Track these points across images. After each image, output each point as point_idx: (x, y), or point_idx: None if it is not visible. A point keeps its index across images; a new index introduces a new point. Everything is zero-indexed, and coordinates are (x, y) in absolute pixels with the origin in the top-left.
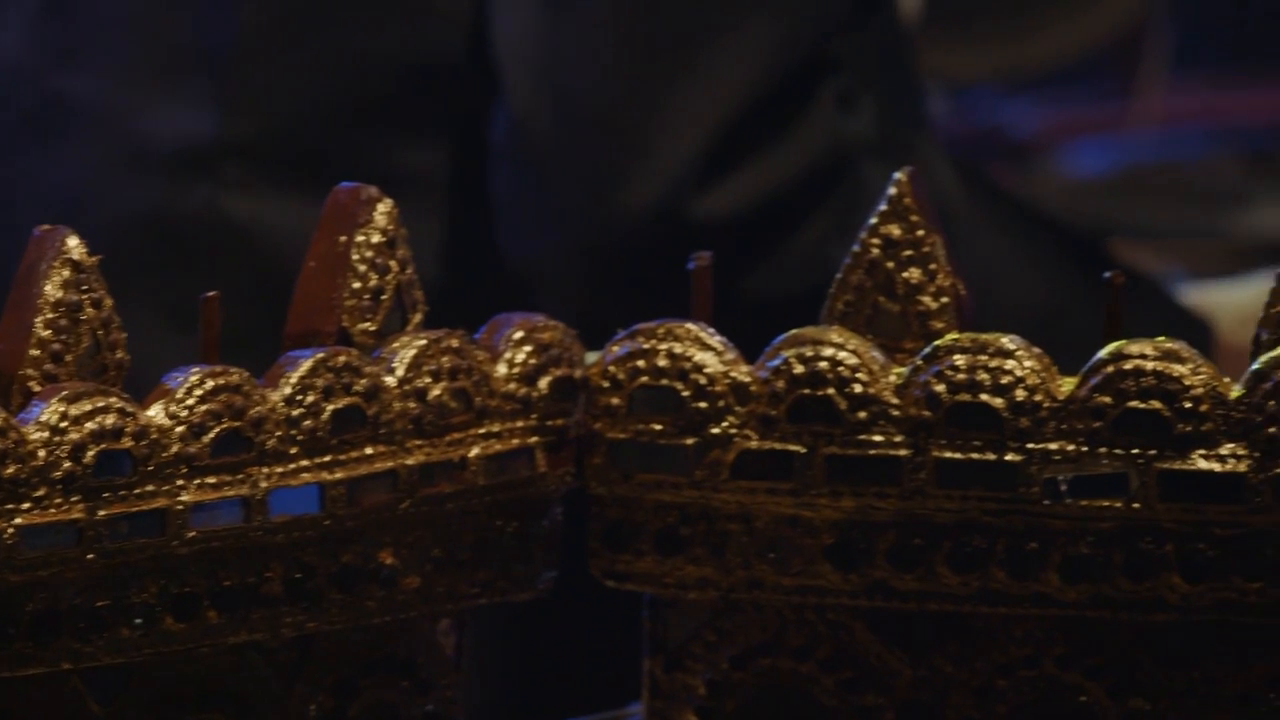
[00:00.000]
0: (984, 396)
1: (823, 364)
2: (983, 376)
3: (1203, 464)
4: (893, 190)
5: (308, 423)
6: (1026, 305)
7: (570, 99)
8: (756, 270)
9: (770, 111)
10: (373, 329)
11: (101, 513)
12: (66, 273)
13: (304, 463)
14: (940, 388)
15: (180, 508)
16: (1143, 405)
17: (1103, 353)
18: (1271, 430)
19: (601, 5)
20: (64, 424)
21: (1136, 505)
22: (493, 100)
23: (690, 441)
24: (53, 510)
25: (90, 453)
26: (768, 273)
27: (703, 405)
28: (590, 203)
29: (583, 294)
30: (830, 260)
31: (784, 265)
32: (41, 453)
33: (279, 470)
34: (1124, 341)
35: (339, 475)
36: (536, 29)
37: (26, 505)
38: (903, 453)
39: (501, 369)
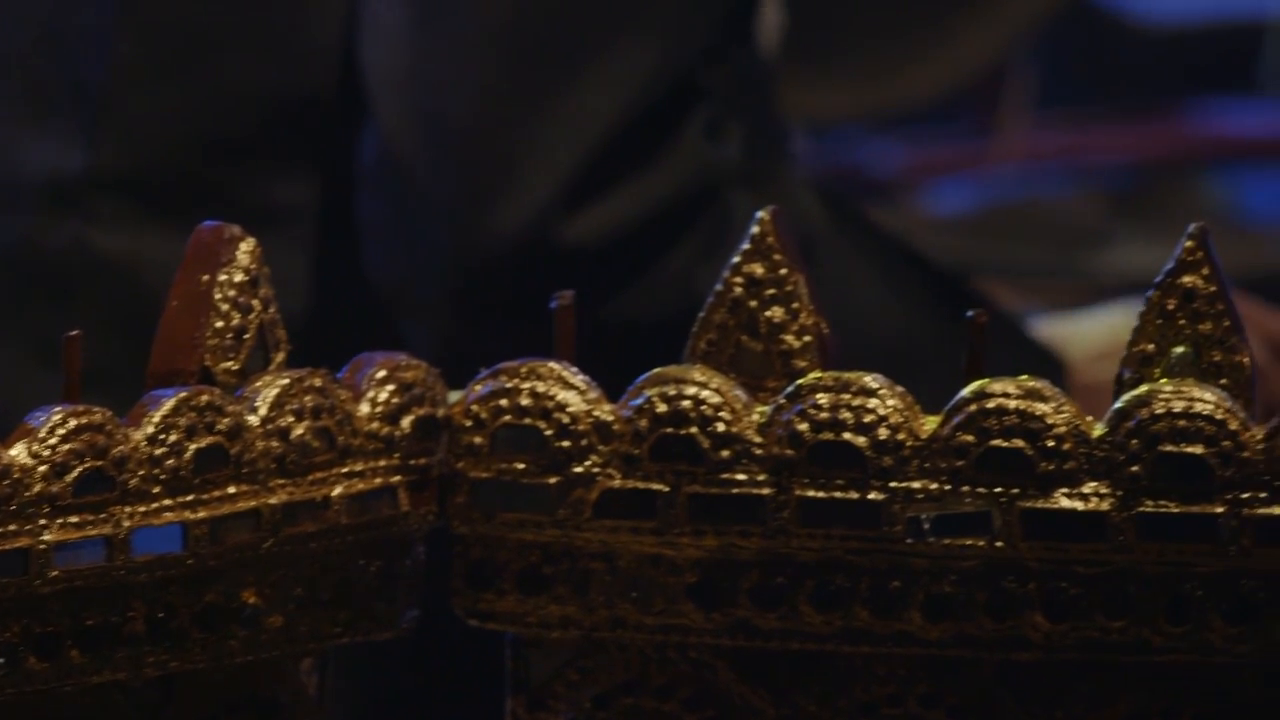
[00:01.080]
0: (847, 435)
1: (685, 403)
2: (845, 415)
3: (1065, 502)
4: (756, 229)
5: (170, 462)
6: (889, 341)
7: (438, 124)
8: (622, 296)
9: (638, 138)
10: (235, 368)
11: None
12: None
13: (167, 502)
14: (803, 426)
15: (43, 547)
16: (1005, 444)
17: (965, 391)
18: (1134, 469)
19: (471, 30)
20: None
21: (999, 544)
22: (363, 129)
23: (553, 480)
24: None
25: None
26: (633, 298)
27: (565, 444)
28: (457, 228)
29: (449, 319)
30: (695, 287)
31: (649, 291)
32: None
33: (142, 509)
34: (986, 380)
35: (202, 514)
36: (405, 53)
37: None
38: (766, 491)
39: (364, 408)
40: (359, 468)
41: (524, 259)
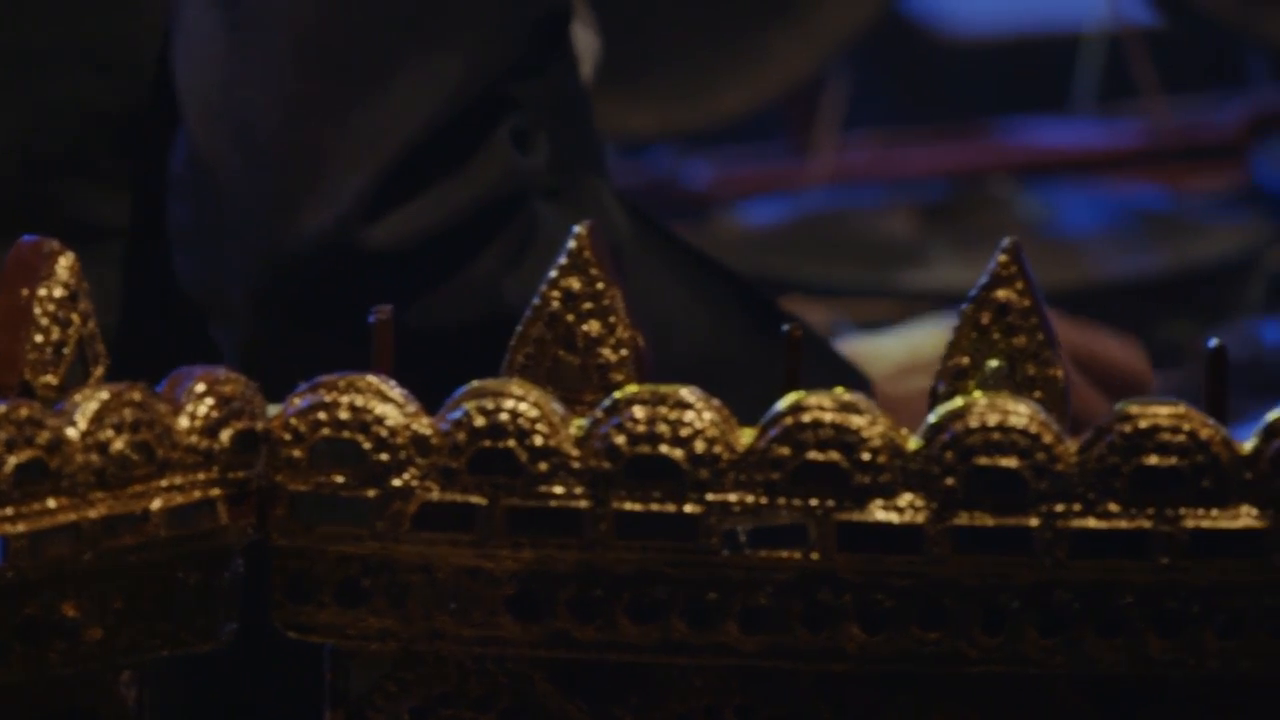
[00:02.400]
0: (663, 448)
1: (503, 416)
2: (662, 428)
3: (881, 515)
4: (572, 243)
5: None
6: (697, 356)
7: (245, 130)
8: (426, 302)
9: (445, 146)
10: (55, 382)
11: None
12: None
13: None
14: (620, 440)
15: None
16: (821, 457)
17: (781, 404)
18: (949, 481)
19: (278, 38)
20: None
21: (815, 556)
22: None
23: (371, 493)
24: None
25: None
26: (437, 304)
27: (384, 457)
28: (262, 233)
29: (256, 324)
30: (500, 294)
31: (454, 298)
32: None
33: None
34: (802, 393)
35: (21, 527)
36: (214, 60)
37: None
38: (583, 504)
39: (183, 421)
40: (178, 481)
41: (329, 264)
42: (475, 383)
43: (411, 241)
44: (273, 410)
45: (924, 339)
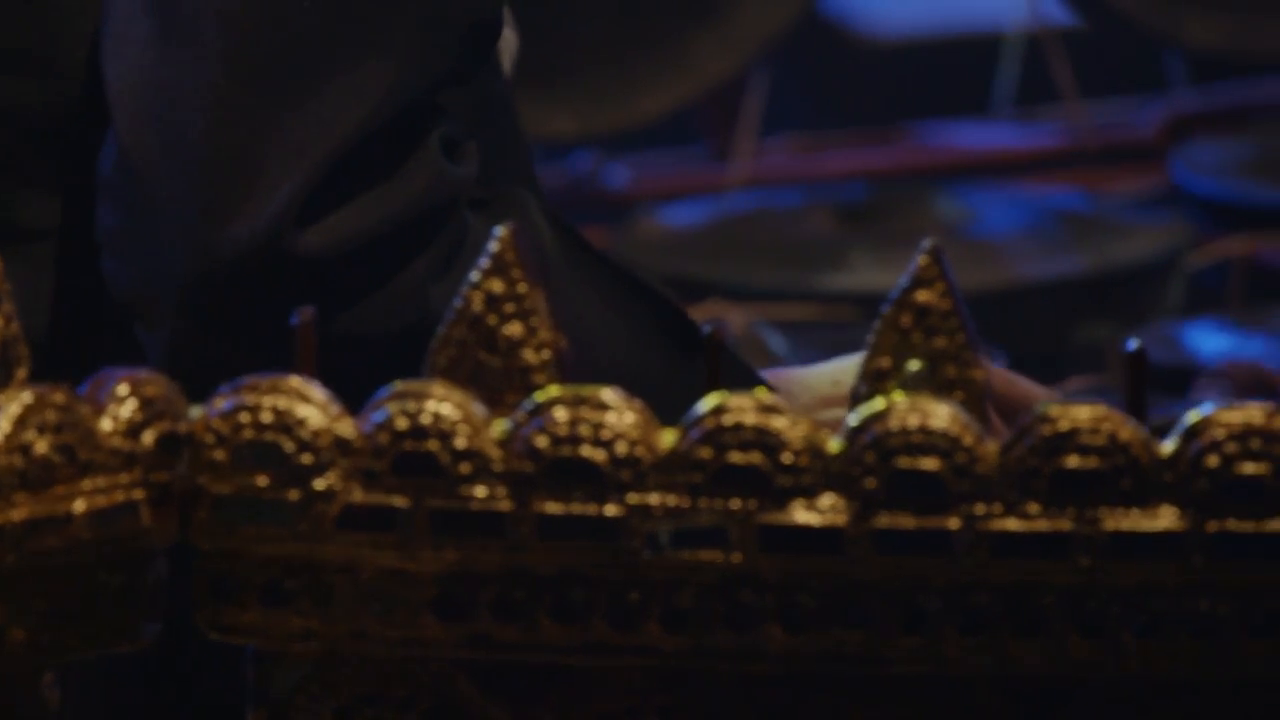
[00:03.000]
0: (585, 450)
1: (426, 418)
2: (584, 430)
3: (802, 516)
4: (495, 246)
5: None
6: (619, 367)
7: (175, 134)
8: (356, 308)
9: (375, 153)
10: None
11: None
12: None
13: None
14: (542, 441)
15: None
16: (742, 458)
17: (702, 406)
18: (869, 483)
19: (210, 40)
20: None
21: (737, 557)
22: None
23: (295, 495)
24: None
25: None
26: (367, 311)
27: (307, 459)
28: (191, 237)
29: (183, 328)
30: (430, 301)
31: (383, 304)
32: None
33: None
34: (723, 395)
35: None
36: (146, 63)
37: None
38: (505, 506)
39: (106, 423)
40: (101, 483)
41: (258, 269)
42: (398, 384)
43: (341, 248)
44: (195, 412)
45: (849, 371)
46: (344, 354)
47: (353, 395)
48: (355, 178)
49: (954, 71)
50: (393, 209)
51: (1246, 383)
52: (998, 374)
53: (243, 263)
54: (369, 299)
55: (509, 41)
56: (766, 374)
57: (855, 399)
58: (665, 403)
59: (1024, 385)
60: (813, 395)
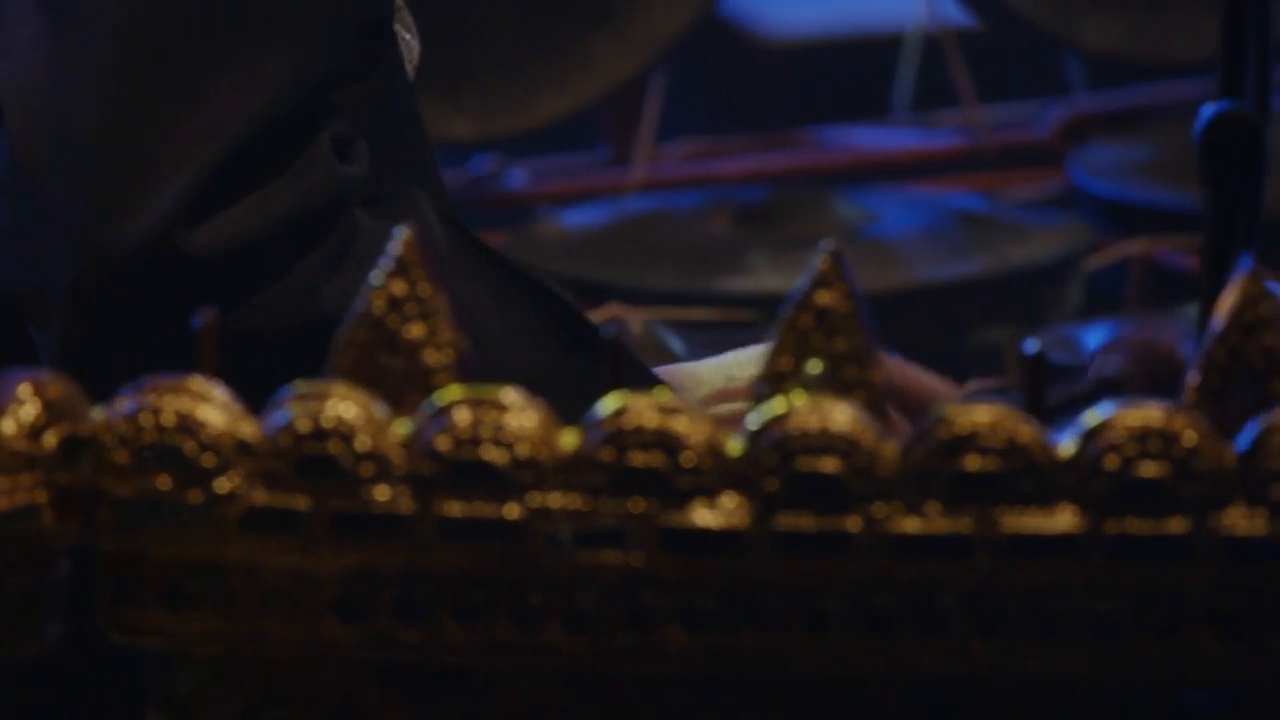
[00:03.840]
0: (486, 451)
1: (327, 420)
2: (485, 431)
3: (703, 518)
4: (396, 247)
5: None
6: (515, 367)
7: (65, 132)
8: (246, 306)
9: (266, 152)
10: None
11: None
12: None
13: None
14: (444, 443)
15: None
16: (643, 459)
17: (603, 407)
18: (770, 484)
19: (102, 40)
20: None
21: (638, 558)
22: None
23: (196, 497)
24: None
25: None
26: (257, 309)
27: (208, 461)
28: (82, 236)
29: (75, 327)
30: (320, 300)
31: (273, 303)
32: None
33: None
34: (624, 397)
35: None
36: (37, 61)
37: None
38: (407, 507)
39: (7, 425)
40: (3, 485)
41: (148, 268)
42: (300, 386)
43: (231, 246)
44: (97, 414)
45: (741, 366)
46: (234, 351)
47: (246, 393)
48: (245, 176)
49: (853, 73)
50: (282, 207)
51: (1143, 356)
52: (895, 366)
53: (132, 261)
54: (259, 297)
55: (411, 48)
56: (660, 370)
57: (756, 400)
58: (561, 401)
59: (921, 377)
60: (706, 390)
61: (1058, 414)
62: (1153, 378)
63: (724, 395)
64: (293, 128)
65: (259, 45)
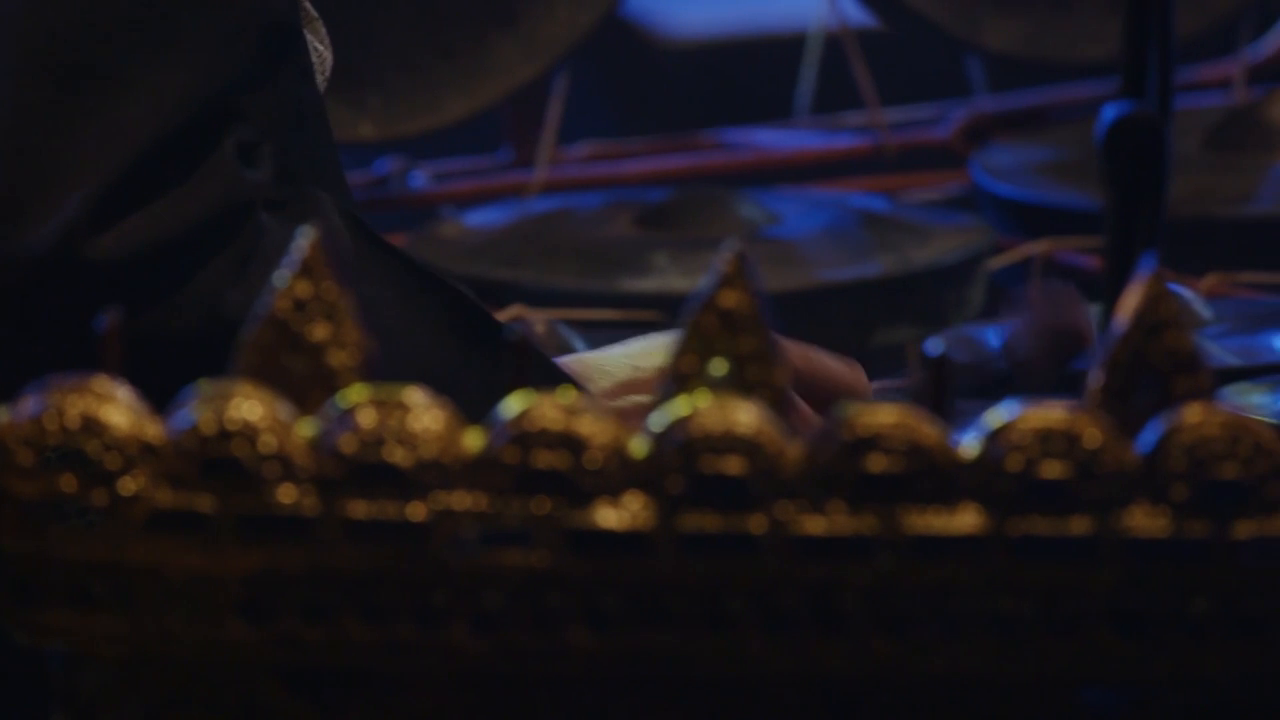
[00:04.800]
0: (390, 452)
1: (232, 421)
2: (389, 432)
3: (607, 518)
4: (300, 248)
5: None
6: (420, 367)
7: None
8: (151, 312)
9: (171, 158)
10: None
11: None
12: None
13: None
14: (348, 444)
15: None
16: (548, 460)
17: (507, 408)
18: (674, 484)
19: (6, 46)
20: None
21: (542, 559)
22: None
23: (101, 498)
24: None
25: None
26: (163, 315)
27: (113, 462)
28: None
29: None
30: (225, 305)
31: (179, 307)
32: None
33: None
34: (529, 397)
35: None
36: None
37: None
38: (312, 508)
39: None
40: None
41: (52, 275)
42: (204, 386)
43: (136, 252)
44: (1, 415)
45: (648, 354)
46: (141, 358)
47: (153, 400)
48: (150, 183)
49: (755, 75)
50: (187, 214)
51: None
52: (797, 351)
53: (37, 268)
54: (164, 303)
55: (324, 59)
56: (567, 360)
57: (660, 401)
58: (468, 399)
59: (824, 362)
60: (612, 380)
61: (972, 400)
62: (1060, 351)
63: (630, 386)
64: (197, 134)
65: (163, 52)
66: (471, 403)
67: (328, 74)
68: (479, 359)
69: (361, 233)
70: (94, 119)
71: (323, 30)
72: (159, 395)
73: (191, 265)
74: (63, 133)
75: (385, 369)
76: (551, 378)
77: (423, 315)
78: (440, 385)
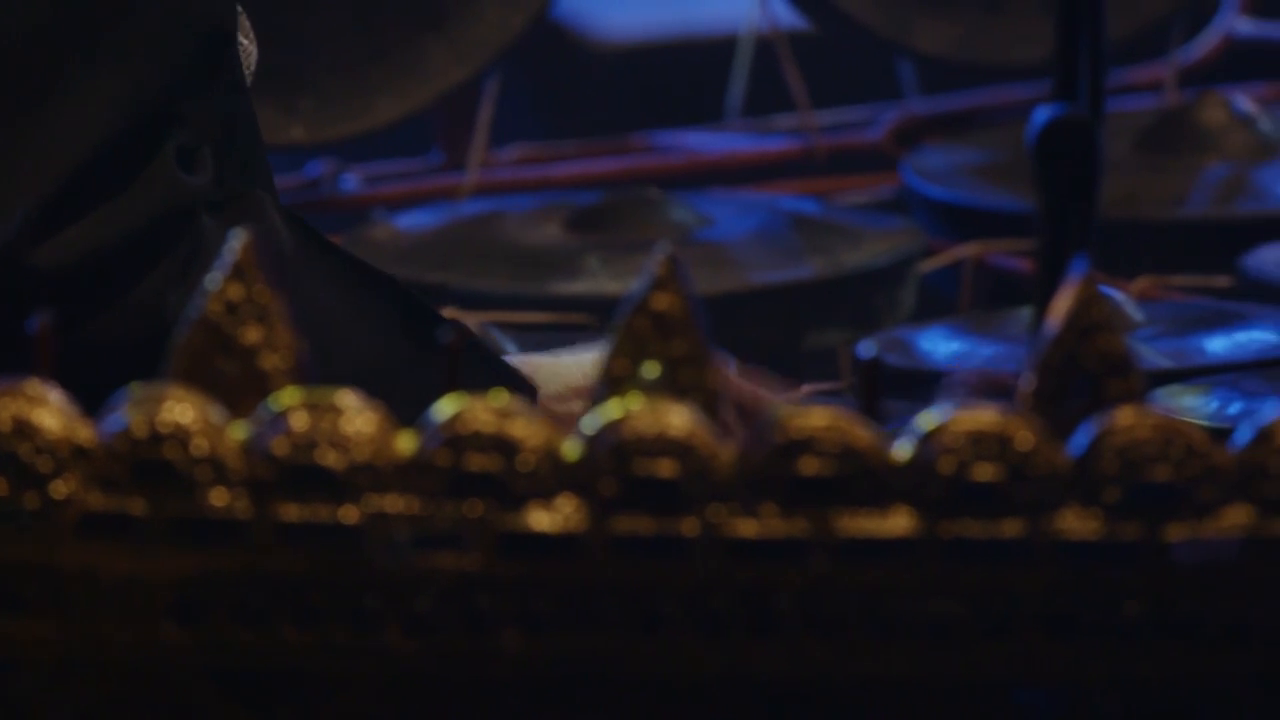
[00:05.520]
0: (323, 455)
1: (164, 424)
2: (322, 435)
3: (539, 521)
4: (232, 252)
5: None
6: (364, 365)
7: None
8: (95, 319)
9: (111, 166)
10: None
11: None
12: None
13: None
14: (280, 447)
15: None
16: (480, 462)
17: (440, 411)
18: (607, 487)
19: None
20: None
21: (474, 561)
22: None
23: (32, 501)
24: None
25: None
26: (106, 321)
27: (45, 465)
28: None
29: None
30: (168, 310)
31: (122, 314)
32: None
33: None
34: (461, 400)
35: None
36: None
37: None
38: (244, 512)
39: None
40: None
41: None
42: (136, 389)
43: (78, 261)
44: None
45: (591, 361)
46: (84, 364)
47: (97, 406)
48: (90, 192)
49: (686, 77)
50: (128, 222)
51: (986, 390)
52: (734, 377)
53: None
54: (108, 310)
55: (248, 52)
56: (519, 360)
57: (594, 404)
58: (412, 394)
59: (760, 388)
60: (563, 384)
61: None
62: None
63: (581, 392)
64: (137, 141)
65: (100, 60)
66: (418, 398)
67: (252, 68)
68: (424, 355)
69: (303, 232)
70: (33, 128)
71: (247, 25)
72: (101, 400)
73: (134, 270)
74: (2, 143)
75: (329, 367)
76: (501, 377)
77: (366, 312)
78: (385, 381)
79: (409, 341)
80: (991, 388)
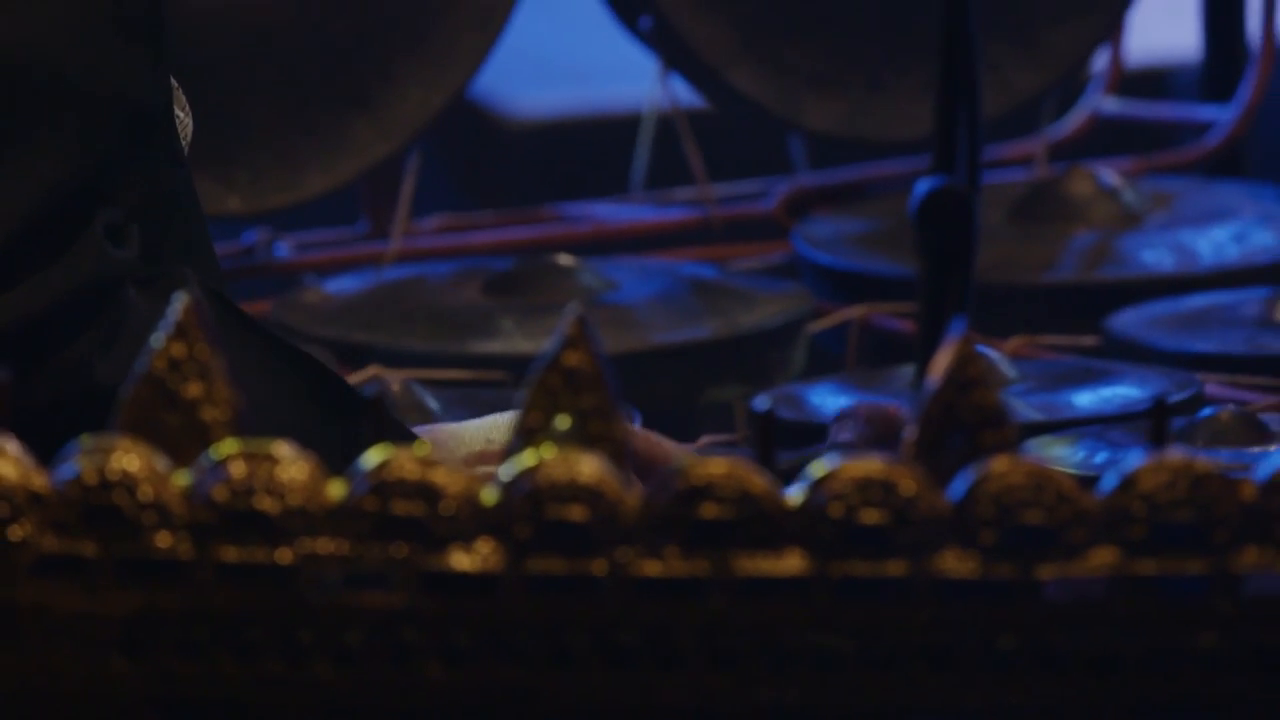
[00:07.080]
0: (260, 501)
1: (112, 473)
2: (259, 482)
3: (460, 561)
4: (176, 312)
5: None
6: (285, 427)
7: None
8: (26, 381)
9: (42, 239)
10: None
11: None
12: None
13: None
14: (220, 493)
15: None
16: (405, 508)
17: (368, 460)
18: (522, 531)
19: None
20: None
21: (400, 599)
22: None
23: None
24: None
25: None
26: (35, 385)
27: (2, 510)
28: None
29: None
30: (94, 374)
31: (50, 378)
32: None
33: None
34: (387, 450)
35: None
36: None
37: None
38: (187, 553)
39: None
40: None
41: None
42: (86, 441)
43: (8, 327)
44: None
45: (499, 430)
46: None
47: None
48: (19, 263)
49: (593, 152)
50: (57, 293)
51: (875, 421)
52: (639, 435)
53: None
54: (36, 374)
55: (184, 124)
56: (422, 430)
57: (509, 453)
58: (323, 459)
59: (664, 444)
60: (466, 450)
61: (793, 477)
62: (883, 441)
63: (482, 458)
64: (65, 216)
65: (33, 136)
66: (328, 462)
67: (189, 139)
68: (334, 422)
69: (223, 306)
70: None
71: (183, 98)
72: (35, 455)
73: (62, 338)
74: None
75: (262, 424)
76: (406, 441)
77: (280, 382)
78: (297, 443)
79: (320, 410)
80: (878, 419)
